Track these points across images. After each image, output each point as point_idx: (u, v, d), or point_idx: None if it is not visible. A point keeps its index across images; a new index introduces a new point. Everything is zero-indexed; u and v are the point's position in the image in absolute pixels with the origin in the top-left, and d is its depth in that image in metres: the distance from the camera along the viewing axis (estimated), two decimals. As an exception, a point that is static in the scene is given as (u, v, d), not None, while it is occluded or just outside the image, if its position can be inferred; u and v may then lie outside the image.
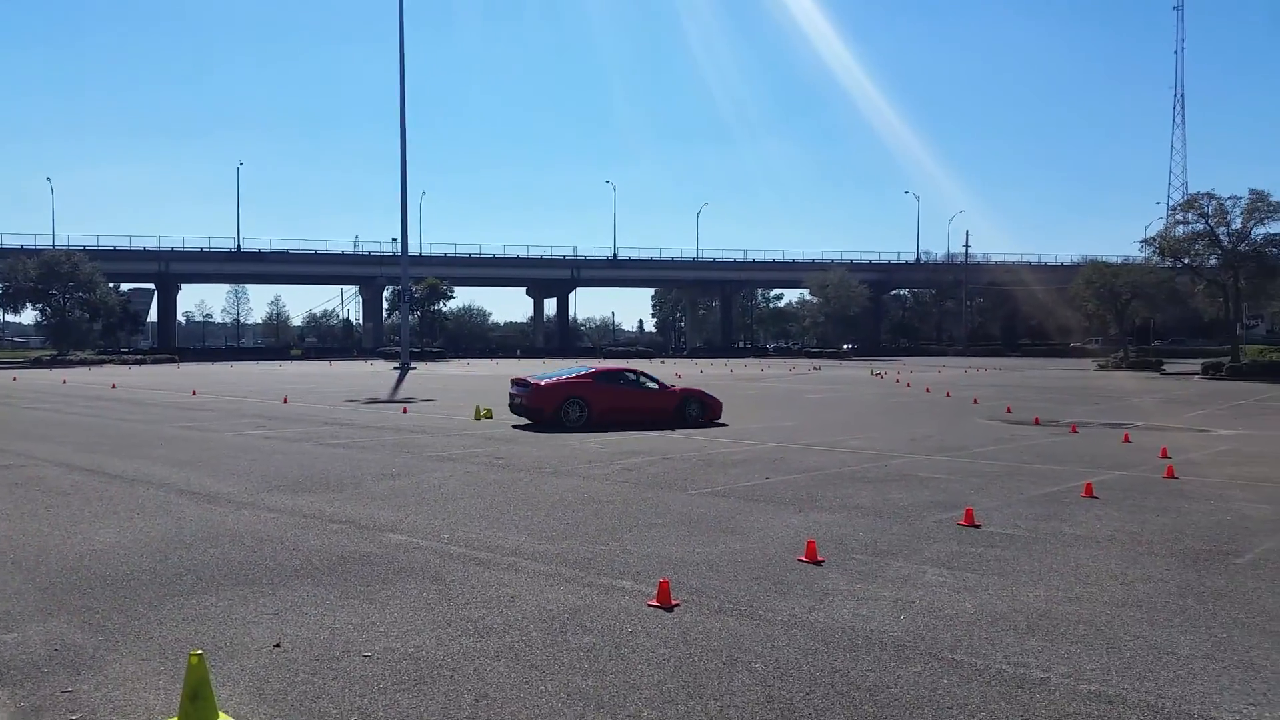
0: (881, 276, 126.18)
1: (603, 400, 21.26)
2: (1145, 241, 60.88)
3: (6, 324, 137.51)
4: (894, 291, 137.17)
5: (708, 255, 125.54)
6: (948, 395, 33.40)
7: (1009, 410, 26.15)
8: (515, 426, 20.67)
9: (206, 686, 4.72)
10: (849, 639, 6.11)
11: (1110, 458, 15.59)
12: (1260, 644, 6.06)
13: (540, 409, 20.93)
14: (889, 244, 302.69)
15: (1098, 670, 5.55)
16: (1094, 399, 32.08)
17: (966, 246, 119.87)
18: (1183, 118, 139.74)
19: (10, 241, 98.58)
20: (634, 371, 23.21)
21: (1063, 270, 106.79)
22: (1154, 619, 6.59)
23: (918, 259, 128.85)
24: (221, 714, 4.77)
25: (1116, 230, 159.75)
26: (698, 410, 21.95)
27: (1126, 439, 18.42)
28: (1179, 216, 58.03)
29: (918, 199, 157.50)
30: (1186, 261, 57.49)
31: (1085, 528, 9.77)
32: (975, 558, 8.41)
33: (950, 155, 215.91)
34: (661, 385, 22.56)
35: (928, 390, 36.70)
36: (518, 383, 21.89)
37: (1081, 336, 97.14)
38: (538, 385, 21.23)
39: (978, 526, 9.72)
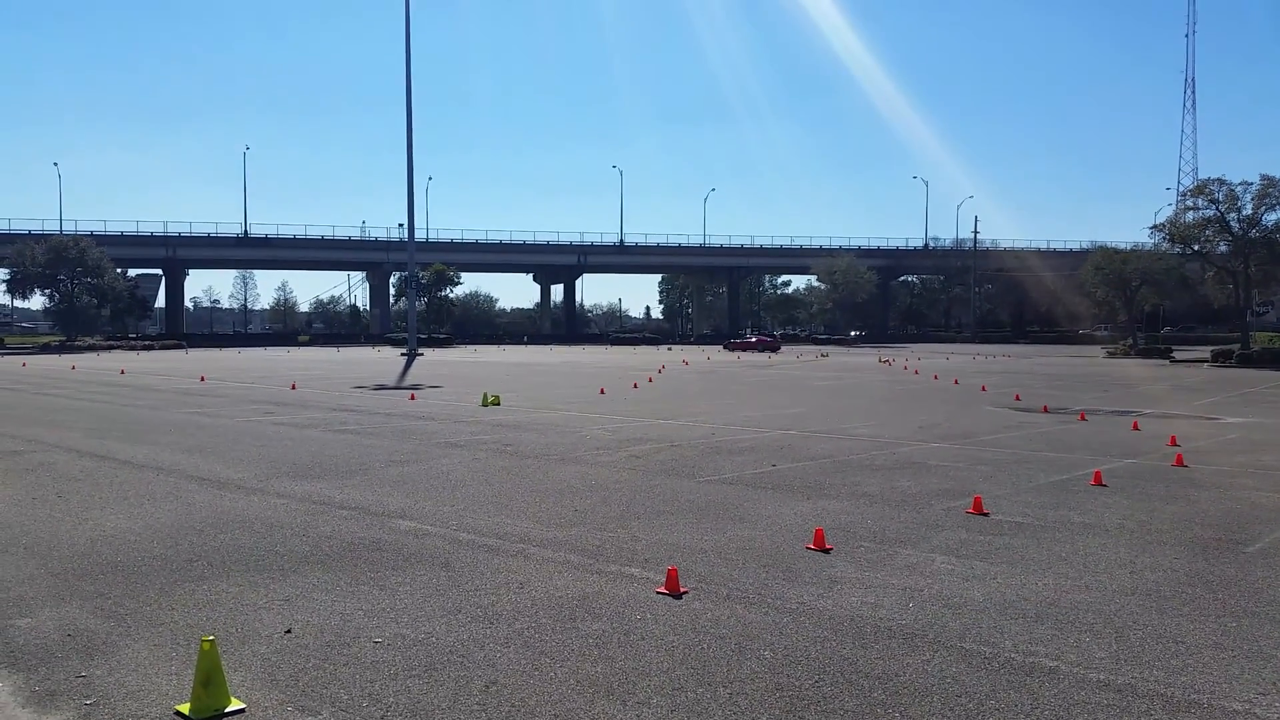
0: (889, 263, 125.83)
1: (776, 344, 79.63)
2: (1155, 228, 60.62)
3: (15, 310, 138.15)
4: (902, 278, 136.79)
5: (715, 241, 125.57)
6: (956, 382, 33.36)
7: (1017, 398, 26.10)
8: (523, 413, 20.72)
9: (218, 672, 4.75)
10: (858, 627, 6.12)
11: (1119, 446, 15.56)
12: (1270, 633, 6.05)
13: (775, 347, 77.36)
14: (897, 230, 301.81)
15: (1106, 659, 5.55)
16: (1103, 386, 32.00)
17: (975, 232, 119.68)
18: (1193, 102, 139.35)
19: (18, 227, 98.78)
20: (771, 334, 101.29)
21: (1071, 256, 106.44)
22: (1163, 608, 6.58)
23: (926, 245, 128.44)
24: (233, 699, 4.80)
25: (1126, 216, 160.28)
26: (775, 346, 78.35)
27: (1135, 427, 18.37)
28: (1189, 202, 57.72)
29: (926, 184, 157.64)
30: (1196, 248, 57.22)
31: (1094, 516, 9.76)
32: (984, 546, 8.41)
33: (958, 140, 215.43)
34: (772, 338, 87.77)
35: (936, 377, 36.66)
36: (760, 342, 78.93)
37: (1090, 323, 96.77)
38: (770, 340, 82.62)
39: (986, 515, 9.72)
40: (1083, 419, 20.13)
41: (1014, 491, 11.17)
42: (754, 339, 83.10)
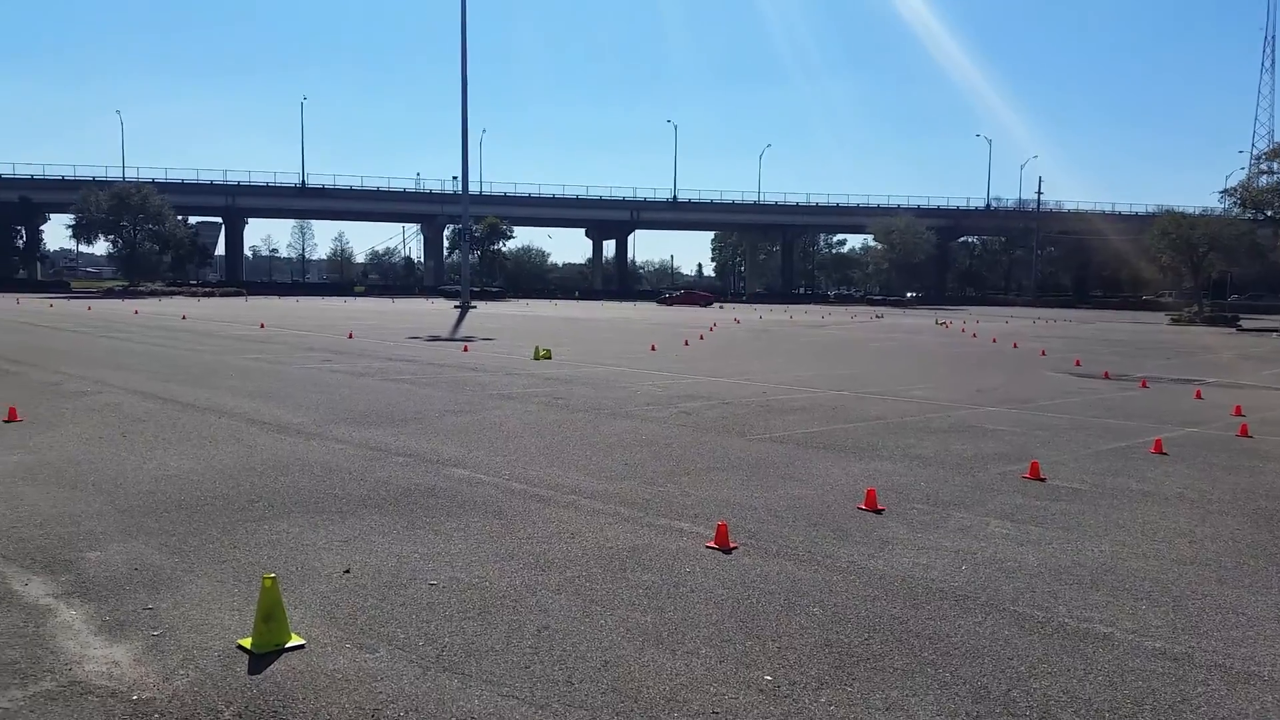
0: (949, 223, 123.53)
1: (709, 299, 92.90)
2: (1226, 192, 59.09)
3: (80, 255, 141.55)
4: (962, 239, 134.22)
5: (769, 198, 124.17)
6: (1014, 346, 32.83)
7: (1078, 363, 25.62)
8: (574, 368, 20.81)
9: (279, 608, 4.88)
10: (909, 587, 6.10)
11: (1181, 414, 15.23)
12: (1334, 607, 5.91)
13: (707, 302, 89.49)
14: (957, 190, 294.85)
15: (1163, 627, 5.47)
16: (1166, 354, 31.28)
17: (1039, 193, 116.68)
18: (1272, 61, 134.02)
19: (83, 174, 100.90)
20: (705, 291, 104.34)
21: (1138, 220, 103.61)
22: (1223, 578, 6.46)
23: (988, 205, 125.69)
24: (293, 635, 4.93)
25: (1196, 180, 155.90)
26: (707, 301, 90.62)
27: (1198, 395, 17.95)
28: (1263, 166, 56.00)
29: (989, 142, 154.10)
30: (1269, 213, 55.42)
31: (1153, 484, 9.58)
32: (1039, 511, 8.31)
33: (1022, 100, 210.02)
34: (705, 294, 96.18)
35: (994, 341, 36.10)
36: (692, 297, 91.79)
37: (1155, 289, 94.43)
38: (703, 295, 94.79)
39: (1043, 480, 9.59)
40: (1144, 386, 19.71)
41: (1072, 457, 10.99)
42: (684, 295, 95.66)
